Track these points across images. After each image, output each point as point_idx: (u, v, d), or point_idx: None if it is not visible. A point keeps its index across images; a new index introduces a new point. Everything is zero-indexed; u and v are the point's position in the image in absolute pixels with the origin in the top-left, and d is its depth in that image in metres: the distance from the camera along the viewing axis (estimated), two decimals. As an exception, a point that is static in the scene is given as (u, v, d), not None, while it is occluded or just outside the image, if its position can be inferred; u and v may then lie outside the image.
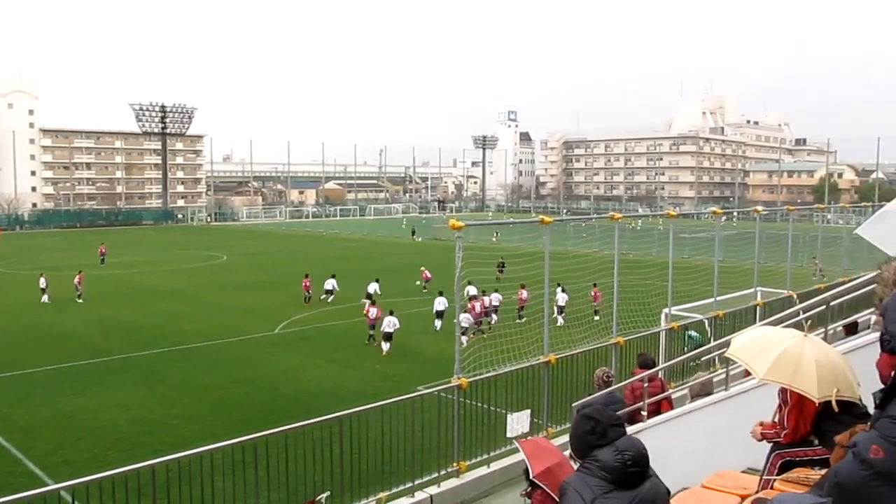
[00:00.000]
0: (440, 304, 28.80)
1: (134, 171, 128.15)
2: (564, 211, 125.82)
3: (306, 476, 9.86)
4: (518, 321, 23.64)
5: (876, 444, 2.18)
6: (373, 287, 33.91)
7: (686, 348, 17.44)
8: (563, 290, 29.67)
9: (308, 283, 35.84)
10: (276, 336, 29.00)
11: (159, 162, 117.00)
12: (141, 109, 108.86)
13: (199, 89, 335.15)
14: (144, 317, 32.63)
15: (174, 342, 27.34)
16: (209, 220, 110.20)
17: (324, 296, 35.86)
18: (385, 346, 25.63)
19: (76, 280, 36.94)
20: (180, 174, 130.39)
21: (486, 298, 29.43)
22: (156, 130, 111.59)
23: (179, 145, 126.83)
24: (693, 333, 17.97)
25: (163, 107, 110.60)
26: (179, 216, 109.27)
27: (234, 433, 10.32)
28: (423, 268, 39.90)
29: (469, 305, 27.52)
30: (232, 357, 25.36)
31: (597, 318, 24.11)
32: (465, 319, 25.34)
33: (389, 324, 25.62)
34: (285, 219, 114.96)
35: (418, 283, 38.69)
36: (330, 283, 36.23)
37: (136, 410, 19.51)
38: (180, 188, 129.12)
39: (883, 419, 2.22)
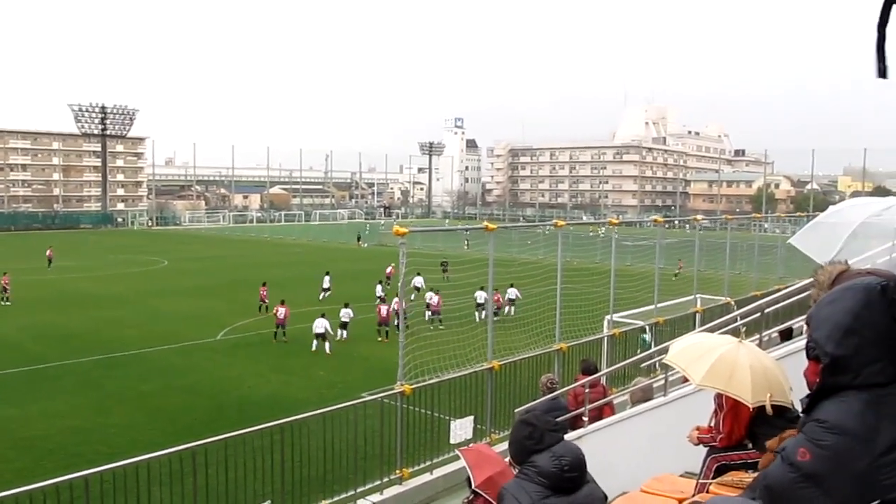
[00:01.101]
0: (345, 315, 28.99)
1: (72, 174, 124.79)
2: (521, 217, 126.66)
3: (247, 485, 9.71)
4: (440, 327, 24.39)
5: (803, 448, 2.24)
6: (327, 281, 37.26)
7: (639, 350, 17.79)
8: (513, 286, 32.33)
9: (265, 292, 34.55)
10: (218, 343, 28.56)
11: (99, 164, 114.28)
12: (80, 110, 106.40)
13: (142, 91, 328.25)
14: (81, 323, 31.81)
15: (112, 349, 26.68)
16: (150, 224, 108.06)
17: (322, 295, 37.04)
18: (314, 343, 26.68)
19: (3, 281, 35.95)
20: (120, 177, 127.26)
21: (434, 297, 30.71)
22: (95, 132, 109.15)
23: (120, 147, 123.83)
24: (647, 337, 18.30)
25: (103, 108, 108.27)
26: (119, 220, 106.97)
27: (173, 442, 10.11)
28: (392, 265, 40.48)
29: (377, 308, 29.73)
30: (172, 364, 24.88)
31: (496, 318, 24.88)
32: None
33: (319, 325, 26.69)
34: (229, 223, 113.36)
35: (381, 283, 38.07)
36: (326, 281, 38.37)
37: (70, 419, 18.99)
38: (120, 191, 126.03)
39: (809, 423, 2.28)
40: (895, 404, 2.21)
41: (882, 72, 1.76)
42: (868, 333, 2.24)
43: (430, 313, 30.04)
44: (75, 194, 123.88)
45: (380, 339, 28.24)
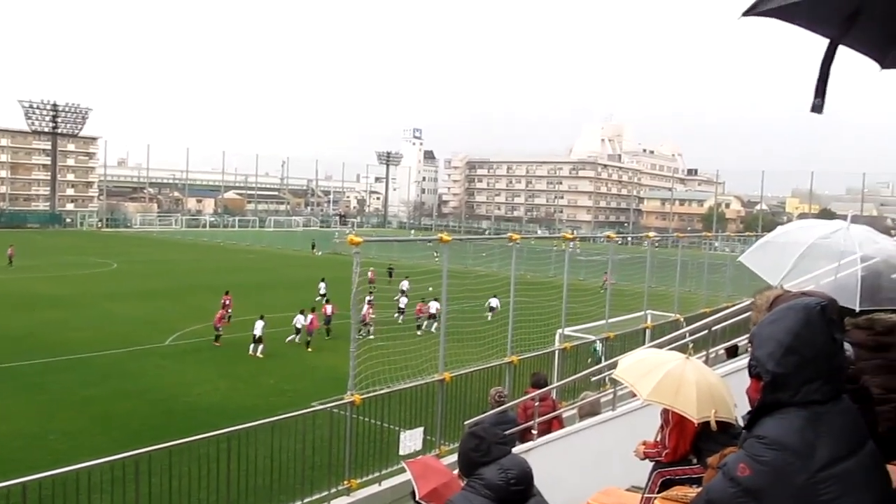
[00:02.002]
0: (258, 328, 27.58)
1: (20, 171, 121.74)
2: (488, 230, 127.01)
3: (191, 493, 9.54)
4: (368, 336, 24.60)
5: (743, 463, 2.30)
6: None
7: (590, 360, 18.00)
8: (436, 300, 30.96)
9: (228, 301, 32.26)
10: (167, 348, 28.08)
11: (48, 163, 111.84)
12: (31, 107, 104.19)
13: (96, 90, 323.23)
14: (26, 325, 30.99)
15: (58, 352, 26.04)
16: (100, 225, 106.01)
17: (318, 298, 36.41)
18: (252, 347, 27.15)
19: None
20: (71, 176, 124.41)
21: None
22: (46, 130, 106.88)
23: (71, 146, 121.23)
24: (598, 347, 18.50)
25: (55, 105, 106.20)
26: (68, 220, 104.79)
27: (117, 449, 9.89)
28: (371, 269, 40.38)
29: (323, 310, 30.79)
30: (119, 369, 24.39)
31: (419, 333, 28.24)
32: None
33: (258, 327, 27.10)
34: (181, 227, 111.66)
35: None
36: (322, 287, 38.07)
37: (10, 424, 18.48)
38: (70, 191, 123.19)
39: (750, 439, 2.35)
40: (833, 422, 2.28)
41: (817, 107, 1.83)
42: (807, 352, 2.30)
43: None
44: (23, 193, 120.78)
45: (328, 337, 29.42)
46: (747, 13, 1.68)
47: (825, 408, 2.29)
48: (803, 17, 1.73)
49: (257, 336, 27.38)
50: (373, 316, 29.26)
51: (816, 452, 2.23)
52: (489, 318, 31.08)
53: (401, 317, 32.50)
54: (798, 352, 2.30)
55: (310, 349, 28.40)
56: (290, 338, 29.31)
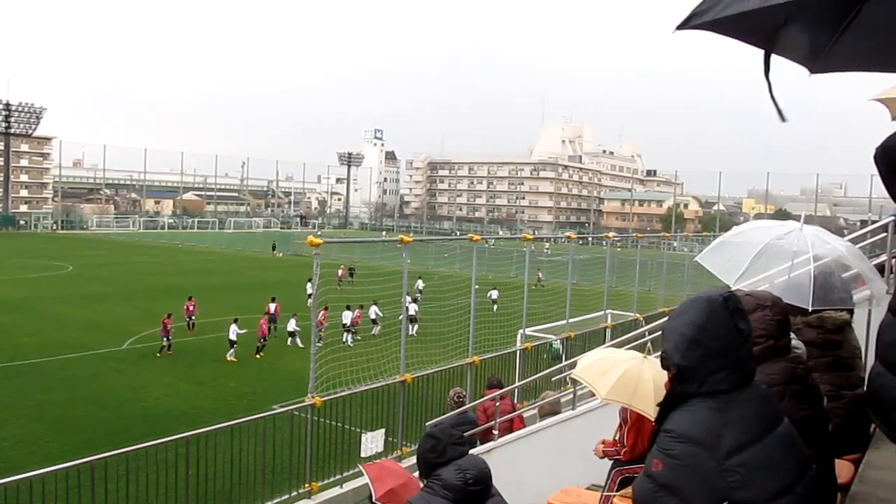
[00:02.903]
0: (233, 333, 26.90)
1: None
2: (457, 232, 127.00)
3: (149, 499, 9.43)
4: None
5: (656, 458, 2.35)
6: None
7: (546, 355, 18.11)
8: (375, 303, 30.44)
9: (192, 307, 31.37)
10: (124, 352, 27.62)
11: (0, 164, 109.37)
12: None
13: (50, 89, 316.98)
14: (-24, 329, 30.28)
15: (9, 357, 25.45)
16: (55, 227, 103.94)
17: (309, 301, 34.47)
18: (230, 353, 26.64)
19: None
20: (24, 177, 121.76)
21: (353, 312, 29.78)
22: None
23: (25, 147, 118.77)
24: (556, 344, 18.62)
25: (7, 105, 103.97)
26: (22, 222, 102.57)
27: (72, 455, 9.72)
28: (342, 266, 40.46)
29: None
30: (74, 374, 23.91)
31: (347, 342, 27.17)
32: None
33: (232, 331, 26.71)
34: (139, 229, 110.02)
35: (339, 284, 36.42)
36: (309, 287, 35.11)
37: (-39, 431, 18.04)
38: (24, 192, 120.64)
39: (661, 434, 2.38)
40: (739, 409, 2.32)
41: (781, 115, 1.89)
42: (711, 344, 2.35)
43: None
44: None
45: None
46: (681, 27, 1.72)
47: (731, 396, 2.34)
48: (733, 30, 1.78)
49: (232, 339, 26.85)
50: (326, 324, 28.58)
51: (723, 441, 2.27)
52: (494, 309, 31.06)
53: (415, 326, 29.40)
54: (702, 344, 2.35)
55: (259, 356, 27.14)
56: (229, 353, 26.84)
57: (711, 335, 2.35)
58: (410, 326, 29.69)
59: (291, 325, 28.85)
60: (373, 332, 29.66)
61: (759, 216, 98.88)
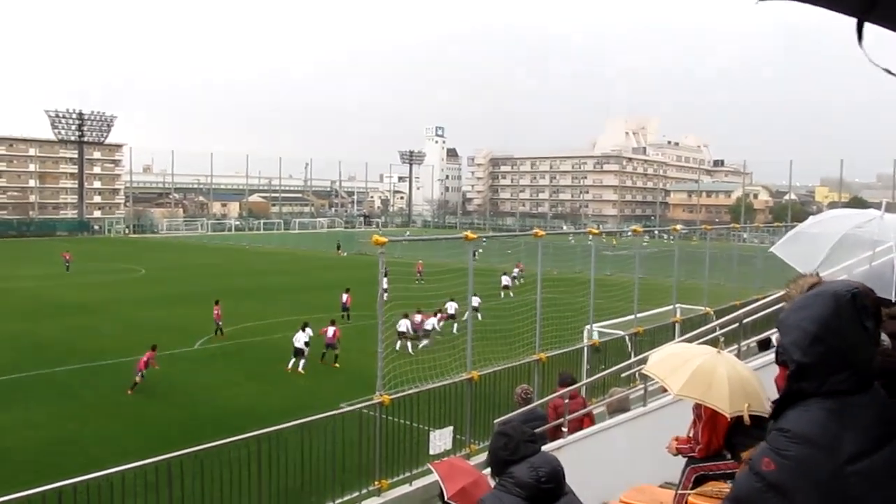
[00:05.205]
0: (299, 341, 25.60)
1: (48, 180, 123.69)
2: (518, 228, 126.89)
3: (223, 497, 9.61)
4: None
5: (767, 457, 2.23)
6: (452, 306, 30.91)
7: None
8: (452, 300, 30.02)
9: (219, 312, 31.26)
10: (196, 352, 28.33)
11: (75, 171, 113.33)
12: (57, 116, 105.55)
13: (120, 97, 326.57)
14: (57, 332, 31.45)
15: (88, 358, 26.40)
16: (127, 231, 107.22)
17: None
18: (292, 361, 25.30)
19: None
20: (97, 184, 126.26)
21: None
22: (72, 138, 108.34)
23: (97, 154, 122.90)
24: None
25: (80, 114, 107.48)
26: (96, 227, 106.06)
27: (149, 453, 9.99)
28: (420, 261, 40.84)
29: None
30: (149, 374, 24.59)
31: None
32: (403, 325, 26.72)
33: (299, 339, 25.36)
34: (207, 232, 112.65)
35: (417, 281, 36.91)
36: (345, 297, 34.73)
37: (46, 430, 18.76)
38: (97, 199, 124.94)
39: (773, 431, 2.28)
40: (860, 413, 2.21)
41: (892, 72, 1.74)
42: (835, 342, 2.23)
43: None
44: (51, 201, 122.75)
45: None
46: None
47: (853, 399, 2.22)
48: None
49: (299, 348, 25.23)
50: (427, 328, 28.54)
51: (842, 445, 2.15)
52: (511, 295, 31.13)
53: (455, 325, 29.98)
54: (825, 341, 2.23)
55: (336, 364, 26.06)
56: (293, 363, 25.69)
57: (836, 332, 2.23)
58: (451, 324, 29.84)
59: (300, 341, 25.45)
60: (453, 329, 29.68)
61: (832, 205, 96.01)
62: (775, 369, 2.55)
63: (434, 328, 29.24)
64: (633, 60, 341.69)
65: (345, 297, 34.31)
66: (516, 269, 44.63)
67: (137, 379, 22.35)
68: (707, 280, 22.32)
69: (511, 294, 37.67)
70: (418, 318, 28.73)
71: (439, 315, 29.99)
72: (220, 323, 31.11)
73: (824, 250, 4.86)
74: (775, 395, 2.53)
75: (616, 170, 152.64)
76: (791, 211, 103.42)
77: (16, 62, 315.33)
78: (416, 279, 36.59)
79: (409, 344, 26.67)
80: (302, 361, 25.33)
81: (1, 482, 14.92)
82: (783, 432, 2.23)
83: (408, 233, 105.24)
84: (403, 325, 26.93)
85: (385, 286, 35.74)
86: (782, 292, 4.67)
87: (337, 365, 25.89)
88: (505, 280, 40.82)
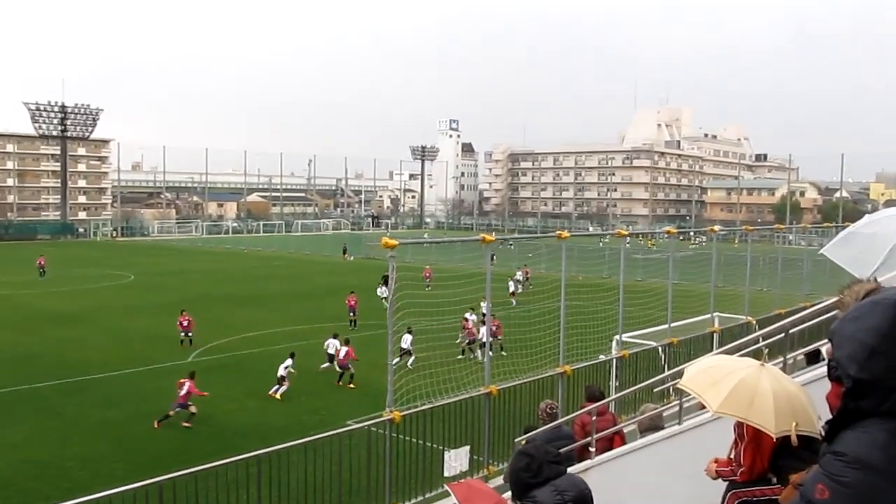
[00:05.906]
0: (282, 369, 24.98)
1: (28, 179, 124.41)
2: (536, 228, 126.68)
3: (219, 522, 9.66)
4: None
5: (821, 484, 2.19)
6: None
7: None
8: (409, 332, 26.70)
9: (185, 322, 31.61)
10: (190, 365, 28.38)
11: (58, 169, 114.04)
12: (37, 109, 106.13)
13: (106, 89, 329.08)
14: (38, 344, 31.64)
15: (72, 373, 26.53)
16: (115, 234, 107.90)
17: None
18: (274, 388, 24.55)
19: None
20: (82, 183, 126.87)
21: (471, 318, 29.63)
22: (54, 133, 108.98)
23: (82, 151, 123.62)
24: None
25: (63, 107, 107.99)
26: (80, 230, 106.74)
27: (138, 476, 10.05)
28: (427, 267, 41.22)
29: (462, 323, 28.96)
30: (138, 389, 24.77)
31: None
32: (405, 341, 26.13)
33: (282, 368, 24.70)
34: (202, 234, 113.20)
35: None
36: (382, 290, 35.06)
37: (26, 451, 18.87)
38: (82, 199, 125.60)
39: (828, 455, 2.24)
40: None
41: None
42: None
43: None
44: (32, 202, 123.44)
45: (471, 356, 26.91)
46: None
47: None
48: None
49: (281, 375, 24.75)
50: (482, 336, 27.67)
51: None
52: (519, 292, 30.82)
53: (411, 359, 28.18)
54: (886, 355, 2.19)
55: (351, 385, 25.69)
56: (324, 366, 27.16)
57: None
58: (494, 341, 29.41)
59: (282, 370, 24.87)
60: (409, 363, 26.59)
61: (889, 203, 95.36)
62: (825, 385, 2.51)
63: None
64: (666, 46, 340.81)
65: (351, 299, 35.17)
66: (519, 273, 45.98)
67: (171, 412, 21.12)
68: (748, 286, 22.19)
69: (513, 301, 37.81)
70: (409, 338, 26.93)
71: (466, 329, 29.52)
72: (191, 333, 31.36)
73: (882, 253, 4.82)
74: (826, 414, 2.50)
75: (647, 165, 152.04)
76: (842, 210, 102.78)
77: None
78: (426, 285, 36.32)
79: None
80: (281, 389, 24.46)
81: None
82: (839, 456, 2.19)
83: (426, 234, 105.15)
84: (407, 340, 26.33)
85: (384, 293, 35.67)
86: (834, 299, 4.63)
87: (352, 386, 25.59)
88: (511, 286, 41.74)
